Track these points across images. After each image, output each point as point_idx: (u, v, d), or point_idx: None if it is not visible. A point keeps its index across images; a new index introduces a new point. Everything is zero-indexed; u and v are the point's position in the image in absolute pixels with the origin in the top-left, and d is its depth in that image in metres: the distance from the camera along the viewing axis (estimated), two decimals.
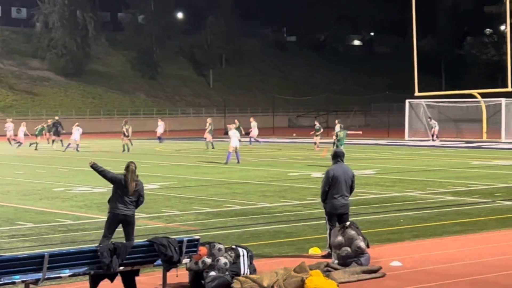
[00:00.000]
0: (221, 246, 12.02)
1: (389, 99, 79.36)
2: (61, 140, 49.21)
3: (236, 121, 47.90)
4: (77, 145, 46.57)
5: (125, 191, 12.82)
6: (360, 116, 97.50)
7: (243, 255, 12.08)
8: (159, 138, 53.53)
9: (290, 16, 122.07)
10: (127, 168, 12.90)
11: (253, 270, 12.15)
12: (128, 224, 12.95)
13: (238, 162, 35.11)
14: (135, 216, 13.26)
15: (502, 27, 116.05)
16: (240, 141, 36.53)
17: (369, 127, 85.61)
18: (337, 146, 34.67)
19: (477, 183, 25.97)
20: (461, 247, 14.69)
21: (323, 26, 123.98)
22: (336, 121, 44.46)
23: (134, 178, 12.84)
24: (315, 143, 45.78)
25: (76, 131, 46.88)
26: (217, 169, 33.32)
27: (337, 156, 13.97)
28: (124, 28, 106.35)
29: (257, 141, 50.72)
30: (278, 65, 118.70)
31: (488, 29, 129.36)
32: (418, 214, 19.19)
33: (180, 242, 11.26)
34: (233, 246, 12.31)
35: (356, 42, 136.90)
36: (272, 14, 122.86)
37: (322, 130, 46.48)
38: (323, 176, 13.98)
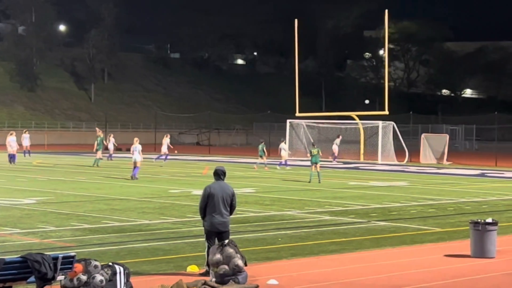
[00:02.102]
0: (97, 263, 11.82)
1: (271, 118, 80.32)
2: None
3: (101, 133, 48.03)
4: None
5: None
6: (242, 134, 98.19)
7: (120, 273, 11.92)
8: (27, 151, 52.65)
9: (174, 33, 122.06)
10: None
11: None
12: None
13: (132, 178, 34.89)
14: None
15: (381, 52, 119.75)
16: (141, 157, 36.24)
17: (251, 145, 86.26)
18: (311, 163, 36.01)
19: (353, 203, 26.51)
20: (337, 266, 14.93)
21: (207, 44, 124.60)
22: (282, 140, 48.64)
23: None
24: (263, 163, 46.08)
25: None
26: (97, 184, 32.84)
27: (217, 174, 14.02)
28: (3, 39, 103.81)
29: (160, 157, 50.54)
30: (161, 81, 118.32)
31: (367, 53, 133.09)
32: (296, 233, 19.42)
33: (55, 258, 11.01)
34: (110, 263, 12.13)
35: (240, 61, 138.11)
36: (156, 30, 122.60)
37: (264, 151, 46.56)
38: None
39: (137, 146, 35.97)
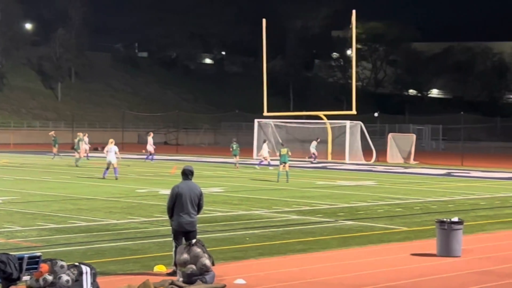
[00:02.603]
0: (64, 263, 11.75)
1: (239, 118, 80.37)
2: None
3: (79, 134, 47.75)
4: None
5: None
6: (210, 134, 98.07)
7: (86, 273, 11.86)
8: None
9: (142, 32, 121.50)
10: None
11: None
12: None
13: (116, 178, 34.79)
14: None
15: (348, 52, 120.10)
16: (117, 157, 36.07)
17: (219, 145, 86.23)
18: (280, 162, 36.15)
19: (321, 203, 26.59)
20: (304, 265, 14.97)
21: (175, 43, 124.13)
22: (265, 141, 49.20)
23: None
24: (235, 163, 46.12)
25: None
26: (63, 184, 32.63)
27: (185, 174, 14.00)
28: None
29: (149, 157, 50.37)
30: (129, 80, 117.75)
31: (335, 53, 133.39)
32: (264, 232, 19.44)
33: (21, 258, 10.93)
34: (76, 263, 12.06)
35: (208, 61, 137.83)
36: (124, 29, 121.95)
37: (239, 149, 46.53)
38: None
39: (112, 147, 36.00)
